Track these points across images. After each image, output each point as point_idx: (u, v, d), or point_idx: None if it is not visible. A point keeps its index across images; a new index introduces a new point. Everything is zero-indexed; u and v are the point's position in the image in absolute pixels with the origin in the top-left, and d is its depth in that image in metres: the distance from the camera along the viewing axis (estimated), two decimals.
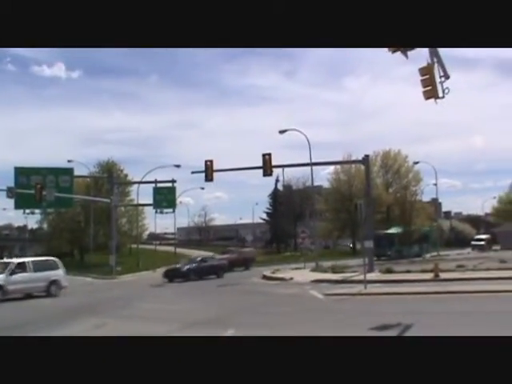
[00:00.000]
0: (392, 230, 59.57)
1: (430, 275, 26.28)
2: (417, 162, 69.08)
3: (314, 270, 36.70)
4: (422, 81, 16.79)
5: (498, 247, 69.92)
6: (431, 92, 16.73)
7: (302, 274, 34.20)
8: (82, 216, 69.48)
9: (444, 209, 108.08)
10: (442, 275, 25.96)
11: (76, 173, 50.90)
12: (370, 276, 26.14)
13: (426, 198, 76.59)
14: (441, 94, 16.80)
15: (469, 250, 69.98)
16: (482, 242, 75.08)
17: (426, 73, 16.70)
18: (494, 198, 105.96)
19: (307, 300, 21.34)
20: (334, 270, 34.54)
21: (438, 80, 16.83)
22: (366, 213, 27.98)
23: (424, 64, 16.68)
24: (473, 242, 76.45)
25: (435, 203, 74.07)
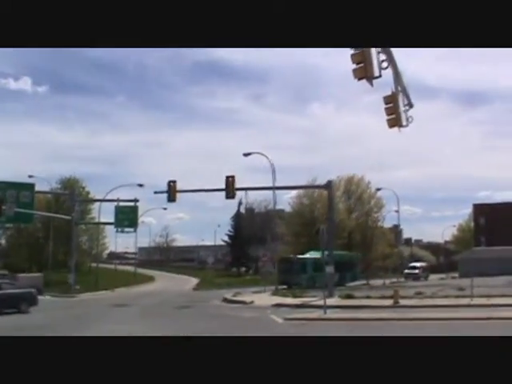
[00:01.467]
0: (308, 255, 52.29)
1: (389, 301, 26.43)
2: (379, 189, 69.69)
3: (274, 294, 36.66)
4: (385, 109, 16.96)
5: (456, 275, 70.44)
6: (395, 120, 16.94)
7: (263, 298, 34.14)
8: (42, 232, 68.54)
9: (405, 235, 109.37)
10: (402, 302, 26.15)
11: (37, 188, 50.27)
12: (330, 301, 26.18)
13: (387, 225, 77.32)
14: (404, 123, 17.07)
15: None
16: (416, 271, 70.06)
17: (391, 101, 16.90)
18: (454, 226, 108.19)
19: (267, 324, 21.24)
20: (294, 294, 34.58)
21: (402, 108, 17.08)
22: (327, 238, 28.13)
23: (388, 92, 16.91)
24: (406, 271, 70.06)
25: (396, 230, 74.68)
